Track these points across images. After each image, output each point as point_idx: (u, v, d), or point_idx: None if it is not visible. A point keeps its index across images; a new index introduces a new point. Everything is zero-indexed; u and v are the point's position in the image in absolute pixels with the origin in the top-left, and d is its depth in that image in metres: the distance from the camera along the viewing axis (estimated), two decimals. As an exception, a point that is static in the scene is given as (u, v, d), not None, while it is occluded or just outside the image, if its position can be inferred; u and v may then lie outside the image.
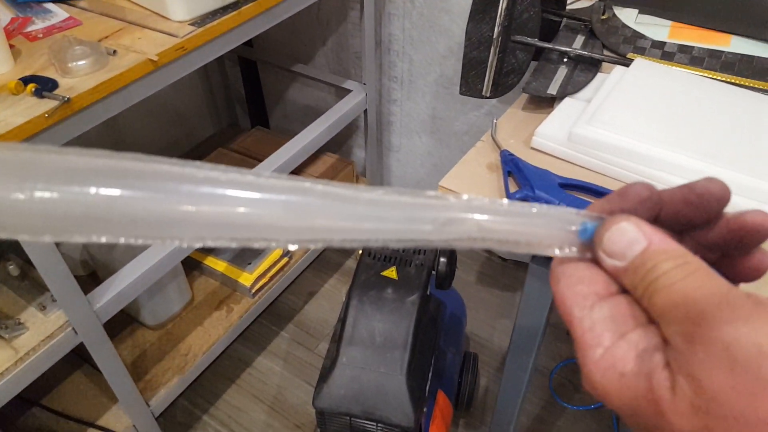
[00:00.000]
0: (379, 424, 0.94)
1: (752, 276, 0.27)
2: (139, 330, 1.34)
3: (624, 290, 0.26)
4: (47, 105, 0.78)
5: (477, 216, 0.27)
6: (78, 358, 1.29)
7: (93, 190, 0.25)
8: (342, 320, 1.01)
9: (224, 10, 1.00)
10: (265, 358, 1.59)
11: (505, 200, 0.28)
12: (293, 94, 1.91)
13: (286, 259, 1.51)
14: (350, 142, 1.89)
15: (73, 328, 0.95)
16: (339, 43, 1.65)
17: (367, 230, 0.26)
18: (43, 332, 0.93)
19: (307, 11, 1.61)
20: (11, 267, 0.99)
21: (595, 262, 0.26)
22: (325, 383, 0.96)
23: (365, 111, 1.58)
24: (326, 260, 1.83)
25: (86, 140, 1.42)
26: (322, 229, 0.26)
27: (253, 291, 1.42)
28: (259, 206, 0.25)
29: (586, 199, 0.65)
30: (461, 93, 0.98)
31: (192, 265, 1.46)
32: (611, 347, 0.24)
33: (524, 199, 0.65)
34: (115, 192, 0.25)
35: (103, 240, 0.25)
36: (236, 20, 1.00)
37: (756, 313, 0.20)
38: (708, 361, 0.20)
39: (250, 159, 1.67)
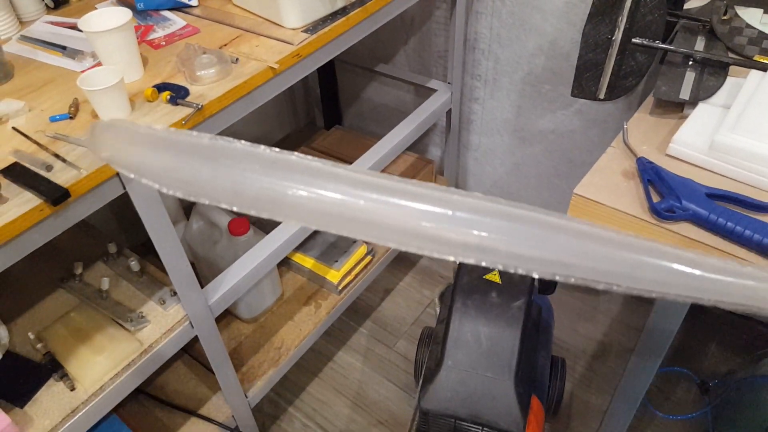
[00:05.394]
0: (485, 428, 0.95)
1: None
2: (234, 323, 1.39)
3: None
4: (182, 112, 0.82)
5: None
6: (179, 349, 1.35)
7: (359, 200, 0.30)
8: (445, 322, 1.02)
9: (333, 16, 1.02)
10: (346, 354, 1.62)
11: None
12: (369, 93, 1.93)
13: (369, 257, 1.53)
14: (426, 140, 1.89)
15: (190, 322, 1.00)
16: (422, 42, 1.65)
17: (707, 290, 0.29)
18: (164, 325, 0.98)
19: (391, 11, 1.62)
20: (132, 263, 1.04)
21: None
22: (431, 384, 0.97)
23: (448, 110, 1.58)
24: (401, 258, 1.84)
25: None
26: (667, 284, 0.30)
27: (340, 288, 1.45)
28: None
29: (736, 210, 0.63)
30: (573, 95, 0.97)
31: (281, 261, 1.50)
32: None
33: (670, 209, 0.64)
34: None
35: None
36: (345, 26, 1.02)
37: None
38: None
39: (332, 158, 1.70)
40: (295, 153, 0.32)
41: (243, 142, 0.32)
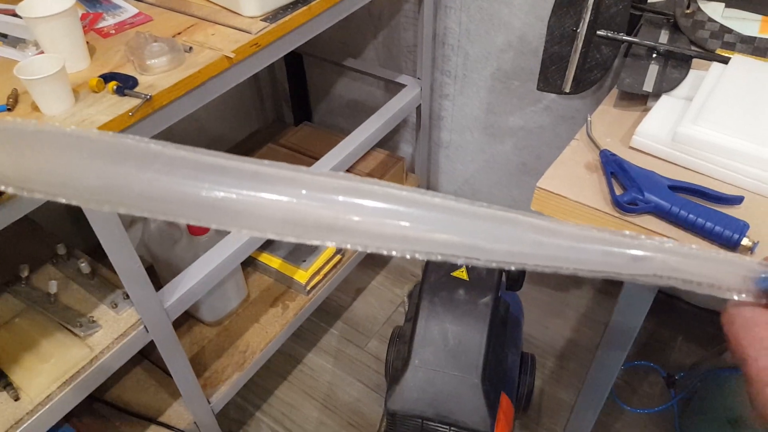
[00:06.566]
0: (452, 428, 0.93)
1: None
2: (196, 326, 1.34)
3: None
4: (130, 103, 0.78)
5: (665, 256, 0.30)
6: (137, 354, 1.30)
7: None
8: (412, 321, 0.99)
9: (294, 5, 0.98)
10: (316, 355, 1.58)
11: (694, 245, 0.31)
12: (339, 88, 1.89)
13: (339, 256, 1.50)
14: (397, 137, 1.87)
15: (145, 326, 0.95)
16: (391, 36, 1.63)
17: (566, 259, 0.29)
18: (116, 330, 0.93)
19: (358, 5, 1.59)
20: (83, 265, 0.99)
21: None
22: (398, 385, 0.94)
23: (418, 106, 1.55)
24: (373, 257, 1.81)
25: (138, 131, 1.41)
26: (524, 254, 0.29)
27: (308, 288, 1.41)
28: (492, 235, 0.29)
29: (698, 202, 0.62)
30: (539, 89, 0.95)
31: (247, 261, 1.45)
32: None
33: (632, 202, 0.62)
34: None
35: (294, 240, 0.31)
36: (306, 15, 0.98)
37: None
38: None
39: (299, 155, 1.66)
40: (131, 135, 0.29)
41: (73, 127, 0.29)
